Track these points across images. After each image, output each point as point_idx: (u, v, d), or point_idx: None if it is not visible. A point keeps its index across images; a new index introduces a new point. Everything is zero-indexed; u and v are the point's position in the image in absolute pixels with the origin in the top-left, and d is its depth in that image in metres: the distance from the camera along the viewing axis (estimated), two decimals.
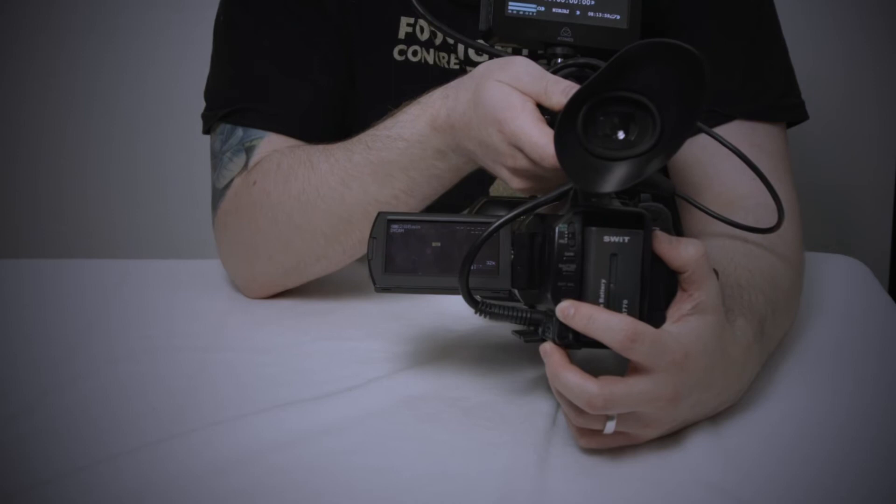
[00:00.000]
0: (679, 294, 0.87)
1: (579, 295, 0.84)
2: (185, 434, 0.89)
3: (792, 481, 0.84)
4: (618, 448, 0.87)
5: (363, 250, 0.98)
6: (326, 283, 1.14)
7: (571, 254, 0.84)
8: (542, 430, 0.89)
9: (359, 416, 0.91)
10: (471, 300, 0.87)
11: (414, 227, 0.90)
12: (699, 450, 0.87)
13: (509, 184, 0.93)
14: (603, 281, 0.84)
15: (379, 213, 0.90)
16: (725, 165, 1.09)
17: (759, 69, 1.15)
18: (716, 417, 0.91)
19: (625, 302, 0.84)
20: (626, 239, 0.84)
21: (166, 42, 1.90)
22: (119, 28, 1.91)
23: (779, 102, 1.16)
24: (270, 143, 1.13)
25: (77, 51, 1.93)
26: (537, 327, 0.88)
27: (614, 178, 0.81)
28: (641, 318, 0.84)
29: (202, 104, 1.19)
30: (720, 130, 1.09)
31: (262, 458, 0.86)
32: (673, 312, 0.86)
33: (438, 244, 0.90)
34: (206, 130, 1.19)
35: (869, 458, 0.87)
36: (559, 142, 0.81)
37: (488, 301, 0.88)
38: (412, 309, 1.10)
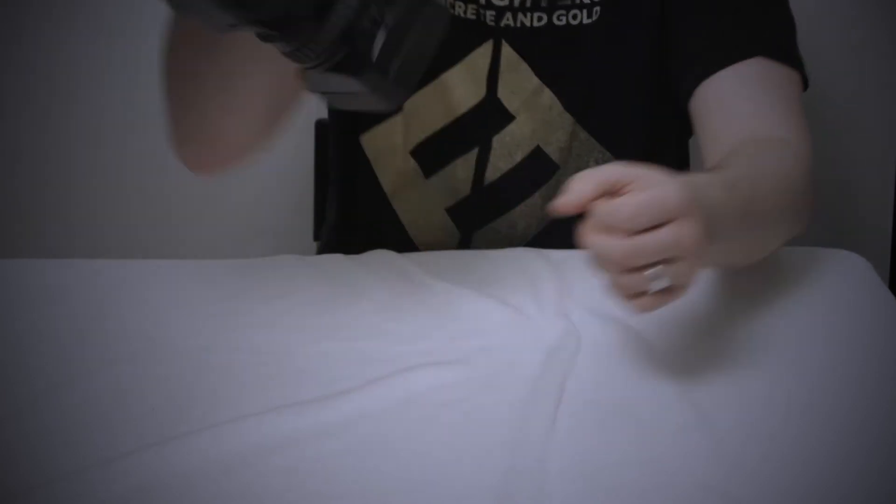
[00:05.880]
0: None
1: None
2: (185, 434, 0.89)
3: (793, 483, 0.84)
4: (616, 449, 0.87)
5: None
6: (325, 282, 1.14)
7: None
8: (542, 431, 0.89)
9: (358, 417, 0.91)
10: None
11: None
12: (699, 452, 0.87)
13: None
14: None
15: None
16: (748, 107, 1.10)
17: (777, 21, 1.17)
18: (715, 419, 0.91)
19: None
20: None
21: None
22: (119, 28, 1.91)
23: (796, 52, 1.17)
24: None
25: (77, 50, 1.92)
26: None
27: None
28: None
29: None
30: (740, 66, 1.12)
31: (262, 458, 0.86)
32: None
33: None
34: None
35: (869, 458, 0.87)
36: None
37: None
38: (413, 308, 1.10)
